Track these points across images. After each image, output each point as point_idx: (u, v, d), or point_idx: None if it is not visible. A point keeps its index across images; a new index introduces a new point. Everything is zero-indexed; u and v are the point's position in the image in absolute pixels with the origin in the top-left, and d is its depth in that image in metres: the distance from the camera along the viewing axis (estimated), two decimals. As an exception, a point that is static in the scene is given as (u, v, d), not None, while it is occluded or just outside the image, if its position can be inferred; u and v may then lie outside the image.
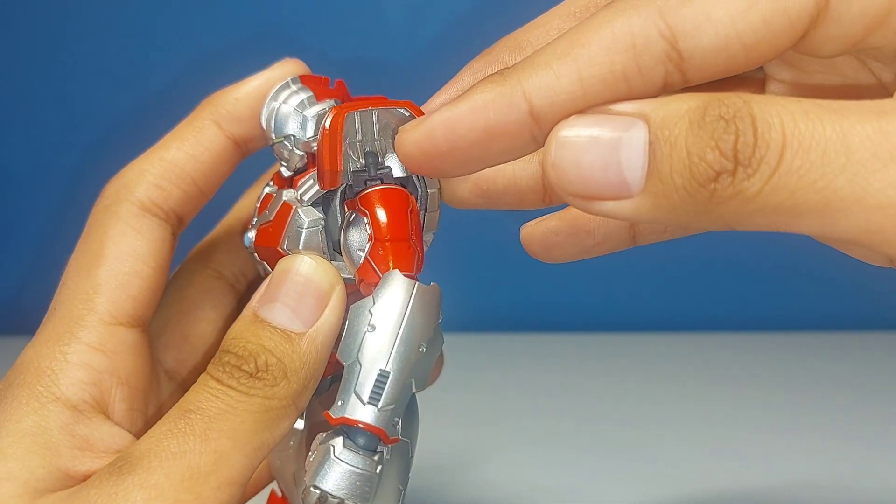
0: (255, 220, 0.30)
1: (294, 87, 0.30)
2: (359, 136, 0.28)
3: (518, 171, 0.31)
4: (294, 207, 0.29)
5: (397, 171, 0.28)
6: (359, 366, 0.26)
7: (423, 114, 0.27)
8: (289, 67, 0.31)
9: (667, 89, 0.23)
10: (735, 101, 0.20)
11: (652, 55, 0.22)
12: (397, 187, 0.28)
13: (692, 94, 0.21)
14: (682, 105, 0.21)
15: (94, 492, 0.24)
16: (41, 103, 0.81)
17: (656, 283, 0.80)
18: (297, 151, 0.29)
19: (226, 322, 0.33)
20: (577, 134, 0.22)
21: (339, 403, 0.26)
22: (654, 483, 0.52)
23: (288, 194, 0.29)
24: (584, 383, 0.68)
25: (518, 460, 0.54)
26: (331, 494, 0.26)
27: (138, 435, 0.27)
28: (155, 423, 0.27)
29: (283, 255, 0.29)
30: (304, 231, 0.28)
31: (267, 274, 0.29)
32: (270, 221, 0.29)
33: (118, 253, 0.29)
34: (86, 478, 0.26)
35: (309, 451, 0.27)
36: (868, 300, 0.75)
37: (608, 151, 0.22)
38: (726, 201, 0.20)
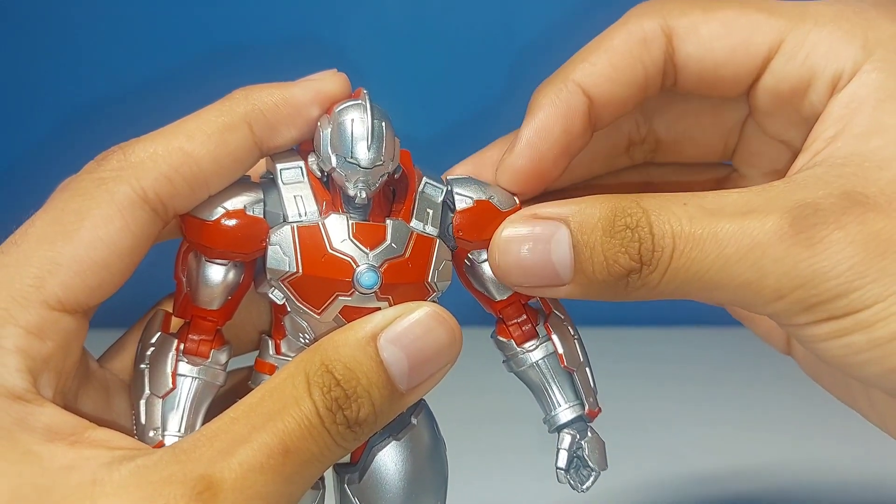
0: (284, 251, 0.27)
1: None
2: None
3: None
4: (436, 240, 0.29)
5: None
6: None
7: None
8: (332, 80, 0.29)
9: (666, 77, 0.31)
10: (635, 210, 0.27)
11: (657, 45, 0.31)
12: None
13: (599, 201, 0.28)
14: (594, 212, 0.27)
15: None
16: (42, 103, 0.81)
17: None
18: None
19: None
20: (515, 233, 0.28)
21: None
22: (652, 477, 0.52)
23: (416, 226, 0.28)
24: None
25: (514, 452, 0.55)
26: None
27: None
28: (74, 399, 0.27)
29: (424, 290, 0.28)
30: (450, 262, 0.29)
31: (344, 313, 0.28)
32: (406, 257, 0.28)
33: (94, 238, 0.26)
34: (69, 468, 0.24)
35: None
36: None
37: (541, 253, 0.28)
38: (637, 289, 0.27)
